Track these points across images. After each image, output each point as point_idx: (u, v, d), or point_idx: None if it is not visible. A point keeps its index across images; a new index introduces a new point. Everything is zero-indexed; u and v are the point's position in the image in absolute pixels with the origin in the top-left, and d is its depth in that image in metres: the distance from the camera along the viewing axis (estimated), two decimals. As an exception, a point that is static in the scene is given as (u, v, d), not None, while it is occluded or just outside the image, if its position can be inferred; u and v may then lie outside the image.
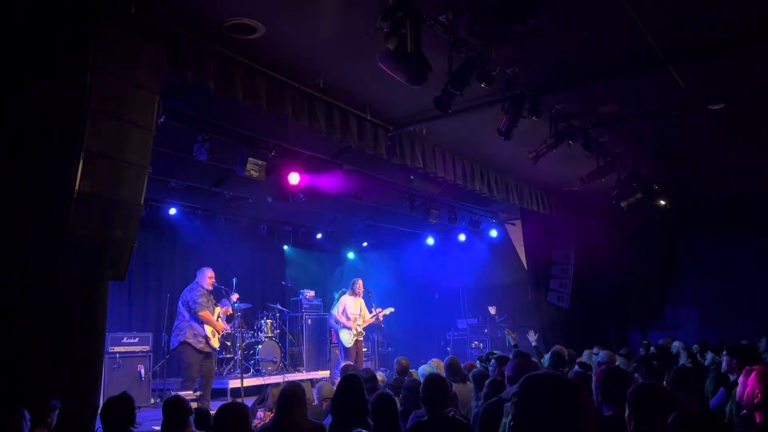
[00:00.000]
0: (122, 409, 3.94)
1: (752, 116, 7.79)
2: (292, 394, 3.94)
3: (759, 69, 6.39)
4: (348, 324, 9.69)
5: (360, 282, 10.14)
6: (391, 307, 10.64)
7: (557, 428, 1.66)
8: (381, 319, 10.16)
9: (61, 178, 4.25)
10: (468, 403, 5.61)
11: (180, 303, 8.05)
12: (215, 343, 7.66)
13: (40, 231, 4.33)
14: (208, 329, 7.57)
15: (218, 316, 7.87)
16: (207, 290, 7.89)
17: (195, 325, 7.55)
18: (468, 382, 6.19)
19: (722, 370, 5.43)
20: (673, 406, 2.95)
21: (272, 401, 5.53)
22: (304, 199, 9.64)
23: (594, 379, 3.65)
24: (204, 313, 7.56)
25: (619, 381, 3.43)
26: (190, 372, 7.54)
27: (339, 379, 6.49)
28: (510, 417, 1.76)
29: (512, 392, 1.80)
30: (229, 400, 8.80)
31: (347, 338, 9.64)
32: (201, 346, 7.51)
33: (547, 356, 7.18)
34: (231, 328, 10.24)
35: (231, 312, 8.84)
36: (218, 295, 10.37)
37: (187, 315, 7.74)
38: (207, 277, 7.92)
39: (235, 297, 8.85)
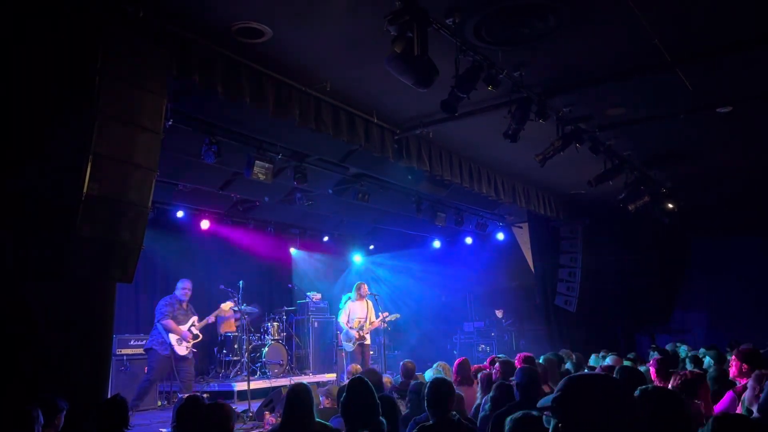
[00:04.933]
0: (115, 411, 3.95)
1: (760, 119, 7.75)
2: (299, 394, 3.93)
3: (767, 72, 6.35)
4: (351, 329, 9.68)
5: (365, 285, 10.13)
6: (397, 313, 10.61)
7: (608, 428, 1.65)
8: (386, 324, 10.13)
9: (70, 181, 4.27)
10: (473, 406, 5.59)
11: None
12: (181, 350, 7.88)
13: (49, 233, 4.36)
14: (172, 337, 7.82)
15: (191, 325, 8.07)
16: (180, 300, 8.08)
17: (162, 332, 7.82)
18: (474, 385, 6.17)
19: (731, 375, 5.39)
20: (680, 410, 2.93)
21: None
22: (311, 202, 9.68)
23: None
24: (165, 322, 7.92)
25: (634, 383, 3.41)
26: (152, 375, 7.91)
27: (346, 381, 6.49)
28: (553, 424, 1.74)
29: (551, 398, 1.78)
30: (236, 402, 8.84)
31: (349, 343, 9.64)
32: (167, 353, 7.86)
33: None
34: (238, 330, 10.27)
35: (226, 312, 9.02)
36: (225, 296, 10.42)
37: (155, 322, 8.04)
38: (180, 288, 8.17)
39: (227, 305, 9.00)
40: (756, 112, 7.47)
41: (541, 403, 1.85)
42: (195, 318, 8.23)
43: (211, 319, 8.66)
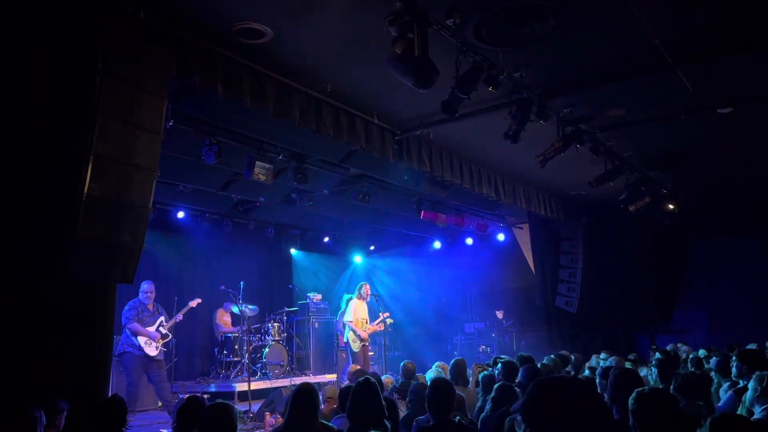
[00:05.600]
0: (114, 411, 3.95)
1: (761, 120, 7.74)
2: (304, 394, 3.93)
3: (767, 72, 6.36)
4: (359, 328, 9.67)
5: (367, 286, 10.11)
6: (390, 315, 10.56)
7: (572, 429, 1.64)
8: (383, 327, 10.12)
9: (70, 182, 4.28)
10: (471, 407, 5.58)
11: None
12: (151, 351, 7.95)
13: (49, 234, 4.36)
14: (141, 339, 7.88)
15: (159, 325, 8.14)
16: (143, 303, 8.14)
17: (130, 335, 7.92)
18: (470, 386, 6.18)
19: (732, 376, 5.39)
20: (676, 411, 2.92)
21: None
22: (311, 203, 9.69)
23: (608, 381, 3.67)
24: (131, 326, 7.97)
25: (631, 385, 3.40)
26: (132, 377, 7.92)
27: (346, 382, 6.49)
28: (523, 428, 1.73)
29: (521, 403, 1.77)
30: (236, 402, 8.83)
31: (356, 342, 9.61)
32: (140, 354, 7.93)
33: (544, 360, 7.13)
34: (238, 331, 10.28)
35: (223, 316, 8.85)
36: (225, 297, 10.43)
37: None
38: (142, 292, 8.26)
39: (195, 302, 9.06)
40: (757, 113, 7.47)
41: (513, 407, 1.85)
42: (163, 318, 8.30)
43: (179, 317, 8.71)
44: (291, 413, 3.86)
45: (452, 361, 6.49)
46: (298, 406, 3.86)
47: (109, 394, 4.85)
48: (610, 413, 1.76)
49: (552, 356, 7.18)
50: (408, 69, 4.76)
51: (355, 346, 9.62)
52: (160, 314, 8.34)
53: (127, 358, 7.96)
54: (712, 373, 5.98)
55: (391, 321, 10.50)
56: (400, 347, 13.67)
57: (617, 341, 12.50)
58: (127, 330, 7.97)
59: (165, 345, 8.36)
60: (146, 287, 8.25)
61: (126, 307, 8.12)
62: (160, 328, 8.16)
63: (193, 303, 9.04)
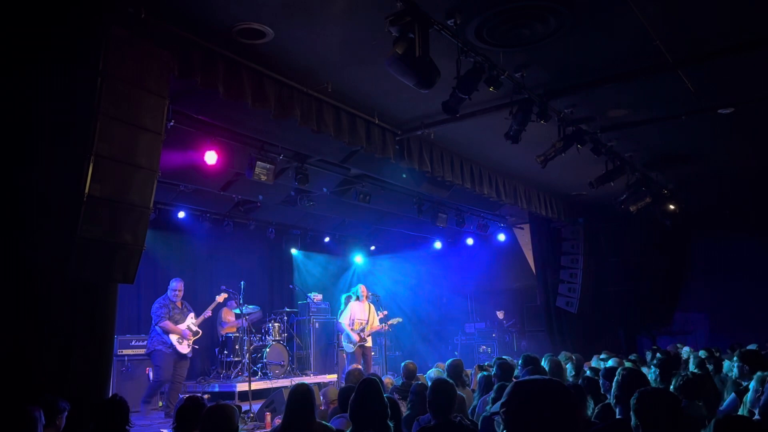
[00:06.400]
0: (115, 411, 3.95)
1: (762, 120, 7.74)
2: (301, 395, 3.93)
3: (769, 73, 6.35)
4: (353, 330, 9.67)
5: (363, 287, 10.10)
6: (399, 317, 10.63)
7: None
8: (387, 327, 10.15)
9: (71, 182, 4.28)
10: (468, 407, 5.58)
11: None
12: (183, 349, 8.01)
13: (50, 234, 4.36)
14: (173, 337, 7.90)
15: (190, 322, 8.11)
16: (172, 301, 8.13)
17: (161, 333, 7.90)
18: (471, 387, 6.17)
19: (734, 377, 5.39)
20: (678, 411, 2.93)
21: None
22: (312, 203, 9.70)
23: (614, 381, 3.69)
24: (163, 324, 8.03)
25: (637, 385, 3.41)
26: (161, 375, 7.99)
27: (344, 383, 6.49)
28: (501, 428, 1.74)
29: (499, 403, 1.77)
30: (237, 403, 8.84)
31: (350, 344, 9.63)
32: (168, 352, 8.01)
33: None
34: (239, 331, 10.29)
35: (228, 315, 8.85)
36: (229, 297, 10.43)
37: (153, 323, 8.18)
38: (171, 289, 8.27)
39: (222, 297, 9.08)
40: (757, 113, 7.46)
41: (492, 409, 1.85)
42: (192, 315, 8.29)
43: (208, 313, 8.75)
44: (288, 414, 3.86)
45: (448, 362, 6.49)
46: (295, 406, 3.86)
47: (110, 394, 4.85)
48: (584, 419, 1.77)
49: (550, 357, 7.17)
50: (409, 69, 4.76)
51: (350, 348, 9.63)
52: (189, 311, 8.34)
53: (158, 356, 7.98)
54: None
55: (399, 320, 10.53)
56: (401, 347, 13.68)
57: (618, 342, 12.49)
58: (158, 328, 7.95)
59: (196, 342, 8.37)
60: (175, 285, 8.26)
61: (156, 306, 8.11)
62: (191, 325, 8.16)
63: (220, 298, 9.11)
